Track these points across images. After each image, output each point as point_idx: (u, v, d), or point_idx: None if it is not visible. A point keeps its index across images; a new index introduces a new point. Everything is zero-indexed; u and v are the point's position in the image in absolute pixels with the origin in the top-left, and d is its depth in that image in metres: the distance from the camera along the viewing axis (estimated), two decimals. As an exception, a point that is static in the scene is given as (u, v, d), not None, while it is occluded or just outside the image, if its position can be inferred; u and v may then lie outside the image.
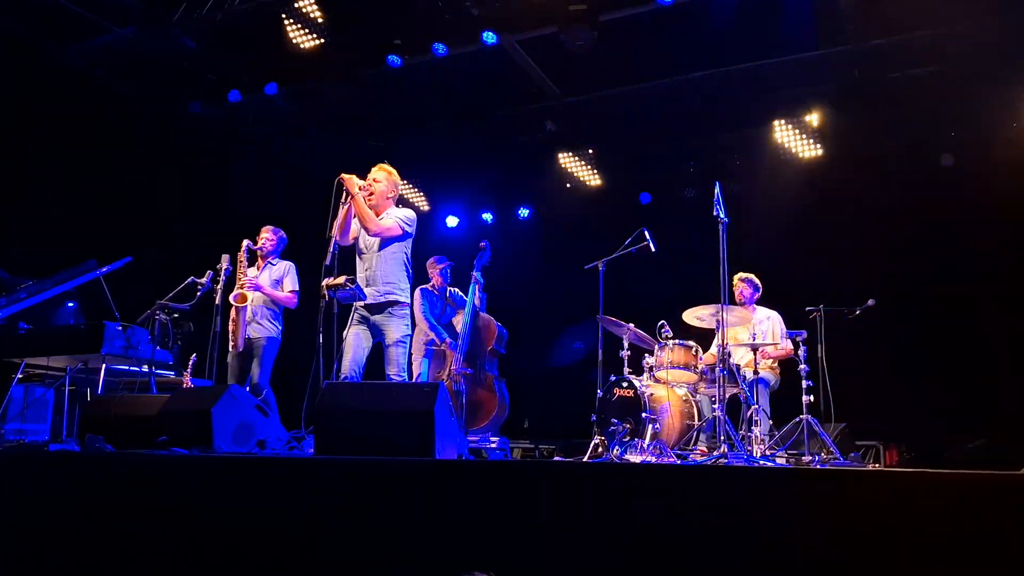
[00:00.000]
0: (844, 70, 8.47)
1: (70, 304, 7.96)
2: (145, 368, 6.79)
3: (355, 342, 5.61)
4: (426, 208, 10.96)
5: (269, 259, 7.02)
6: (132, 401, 5.53)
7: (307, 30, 8.16)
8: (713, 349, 6.94)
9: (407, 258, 5.82)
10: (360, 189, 5.67)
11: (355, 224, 5.78)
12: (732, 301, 6.86)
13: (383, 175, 5.85)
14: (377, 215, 5.77)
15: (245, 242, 6.85)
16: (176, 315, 7.01)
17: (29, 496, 4.34)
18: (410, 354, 6.15)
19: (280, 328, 6.92)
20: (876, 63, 8.28)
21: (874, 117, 8.73)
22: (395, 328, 5.62)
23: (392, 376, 5.56)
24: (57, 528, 4.18)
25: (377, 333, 5.66)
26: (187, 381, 6.81)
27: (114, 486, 4.22)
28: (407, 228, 5.77)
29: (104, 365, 6.65)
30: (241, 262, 6.78)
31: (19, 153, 8.47)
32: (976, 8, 7.38)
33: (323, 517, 3.71)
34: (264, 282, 6.84)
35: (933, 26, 7.74)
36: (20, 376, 6.87)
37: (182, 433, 4.80)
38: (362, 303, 5.66)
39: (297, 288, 6.91)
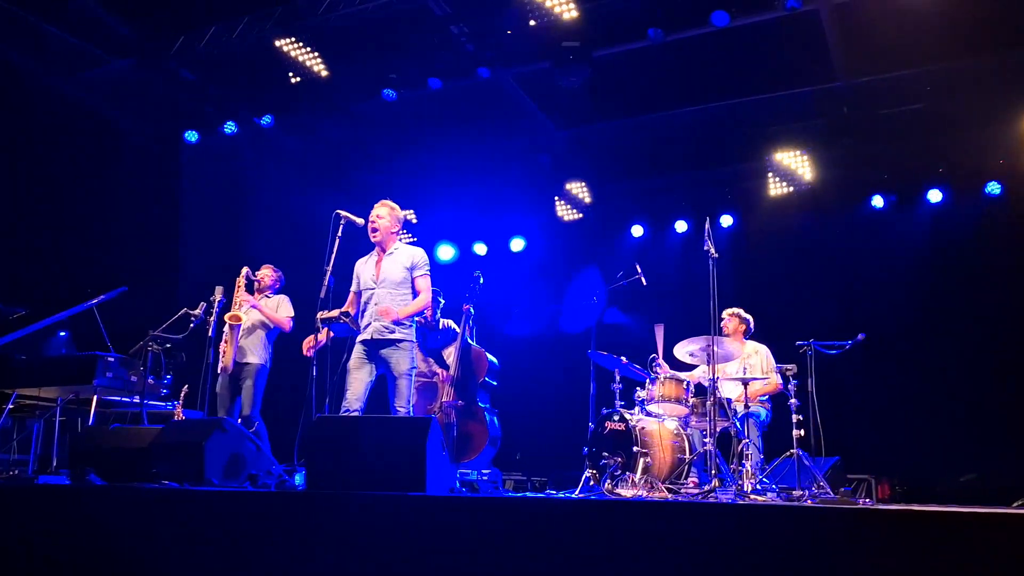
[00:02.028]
0: (834, 106, 8.60)
1: (62, 333, 7.95)
2: (137, 399, 6.77)
3: (358, 376, 5.61)
4: (419, 239, 11.01)
5: (266, 293, 7.14)
6: (123, 433, 5.52)
7: (303, 64, 8.25)
8: (696, 372, 6.96)
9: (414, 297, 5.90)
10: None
11: (366, 270, 5.89)
12: (722, 335, 6.88)
13: (385, 211, 5.94)
14: (384, 250, 5.89)
15: (245, 269, 7.02)
16: (168, 346, 7.01)
17: (17, 529, 4.33)
18: None
19: (270, 357, 6.98)
20: (865, 99, 8.41)
21: (863, 152, 8.84)
22: (402, 360, 5.64)
23: (399, 408, 5.57)
24: (46, 561, 4.16)
25: (382, 366, 5.67)
26: (179, 412, 6.80)
27: (104, 519, 4.21)
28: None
29: (96, 396, 6.63)
30: (240, 286, 6.90)
31: (14, 182, 8.50)
32: (961, 47, 7.52)
33: (314, 551, 3.71)
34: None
35: (920, 64, 7.89)
36: (11, 407, 6.84)
37: (174, 466, 4.79)
38: (368, 336, 5.68)
39: (292, 314, 7.06)
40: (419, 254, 5.91)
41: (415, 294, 5.84)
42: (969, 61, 7.80)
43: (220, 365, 6.68)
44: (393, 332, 5.66)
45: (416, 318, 5.91)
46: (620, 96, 8.85)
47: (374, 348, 5.67)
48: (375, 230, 5.86)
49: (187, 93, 9.14)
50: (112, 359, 6.60)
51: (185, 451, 4.88)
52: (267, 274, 7.19)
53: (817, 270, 8.96)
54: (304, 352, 5.70)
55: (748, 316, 7.27)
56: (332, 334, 5.79)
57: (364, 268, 5.94)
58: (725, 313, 7.13)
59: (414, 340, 5.80)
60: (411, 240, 10.47)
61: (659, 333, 6.86)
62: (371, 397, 5.72)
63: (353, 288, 5.97)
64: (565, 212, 10.37)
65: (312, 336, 5.73)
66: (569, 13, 7.27)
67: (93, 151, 9.15)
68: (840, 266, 8.92)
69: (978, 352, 8.15)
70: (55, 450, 7.12)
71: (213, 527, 3.98)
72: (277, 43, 8.21)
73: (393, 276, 5.79)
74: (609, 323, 7.13)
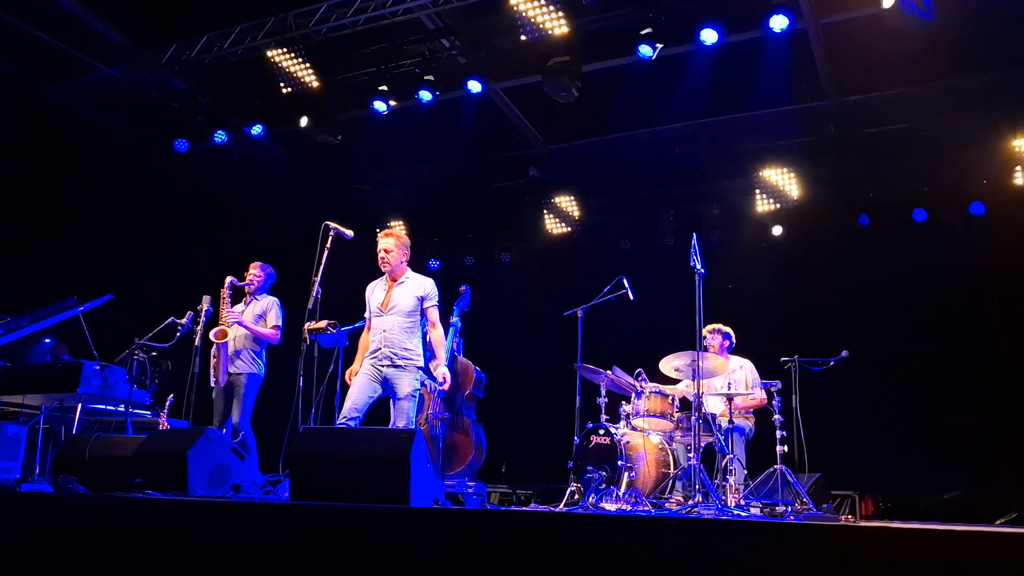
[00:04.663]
0: (820, 125, 8.69)
1: (47, 340, 7.91)
2: (122, 408, 6.73)
3: (361, 388, 5.62)
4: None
5: (255, 295, 6.99)
6: (107, 442, 5.48)
7: (294, 75, 8.27)
8: (681, 386, 6.99)
9: (422, 325, 5.93)
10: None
11: (375, 297, 5.88)
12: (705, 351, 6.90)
13: (392, 242, 5.91)
14: (395, 280, 5.89)
15: (229, 278, 6.82)
16: (154, 354, 6.97)
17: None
18: None
19: (263, 365, 6.86)
20: (851, 118, 8.50)
21: (849, 171, 8.92)
22: (407, 383, 5.68)
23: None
24: (28, 571, 4.13)
25: (388, 387, 5.71)
26: (163, 422, 6.76)
27: (87, 528, 4.19)
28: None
29: (80, 404, 6.59)
30: (224, 299, 6.76)
31: (1, 187, 8.47)
32: (946, 68, 7.62)
33: (296, 563, 3.70)
34: (247, 318, 6.80)
35: (906, 84, 7.99)
36: (-6, 413, 6.81)
37: (157, 475, 4.77)
38: (377, 361, 5.70)
39: (280, 324, 6.86)
40: (430, 285, 5.93)
41: (424, 323, 5.89)
42: (954, 82, 7.90)
43: (212, 380, 6.62)
44: (403, 359, 5.70)
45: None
46: (609, 111, 8.91)
47: (381, 371, 5.69)
48: (385, 263, 5.86)
49: (177, 101, 9.14)
50: (97, 367, 6.56)
51: (168, 461, 4.87)
52: (255, 274, 6.98)
53: (802, 287, 9.00)
54: (347, 380, 5.75)
55: (729, 330, 7.31)
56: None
57: (373, 295, 5.95)
58: (706, 330, 7.13)
59: (422, 364, 5.83)
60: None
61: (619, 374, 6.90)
62: (370, 415, 5.72)
63: (367, 314, 5.98)
64: (553, 225, 10.39)
65: (351, 369, 5.80)
66: (560, 29, 7.32)
67: (82, 158, 9.13)
68: (825, 283, 8.97)
69: (962, 370, 8.20)
70: (38, 458, 7.07)
71: (196, 537, 3.96)
72: (268, 53, 8.24)
73: (403, 305, 5.80)
74: (595, 337, 7.14)
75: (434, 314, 5.89)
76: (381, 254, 5.87)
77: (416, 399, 5.73)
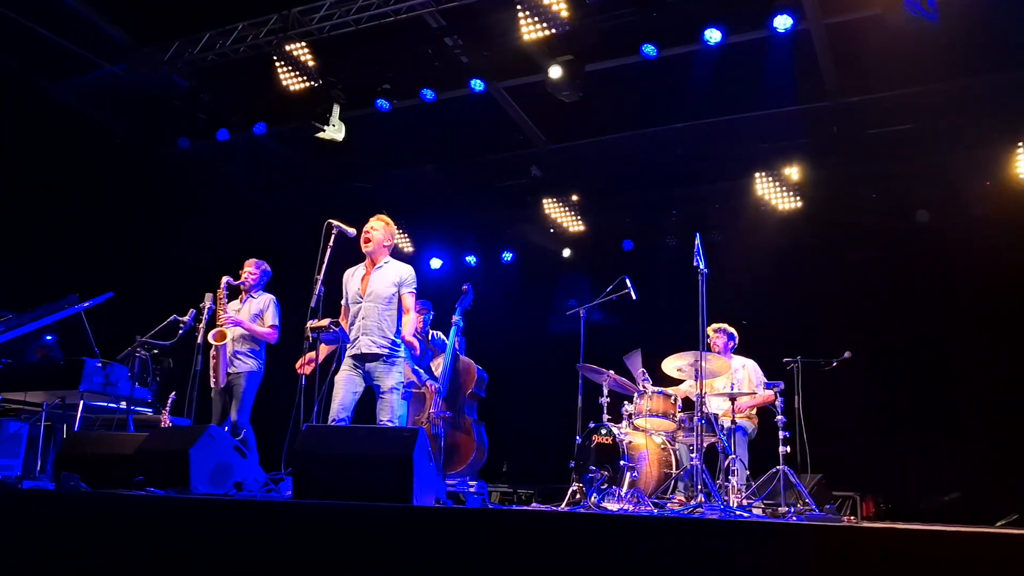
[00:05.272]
0: (823, 125, 8.67)
1: (48, 338, 7.92)
2: (123, 405, 6.73)
3: (345, 386, 5.61)
4: (411, 250, 11.03)
5: (251, 292, 6.99)
6: (109, 439, 5.48)
7: (297, 73, 8.27)
8: (684, 386, 6.98)
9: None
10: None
11: (353, 284, 5.87)
12: (709, 351, 6.90)
13: (380, 224, 5.97)
14: (374, 263, 5.90)
15: (225, 279, 6.81)
16: (156, 351, 6.97)
17: (1, 534, 4.30)
18: None
19: (262, 363, 6.86)
20: (854, 119, 8.48)
21: (851, 172, 8.91)
22: (390, 375, 5.65)
23: (386, 423, 5.56)
24: (28, 569, 4.13)
25: (370, 379, 5.69)
26: (165, 419, 6.76)
27: (88, 526, 4.19)
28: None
29: (82, 401, 6.59)
30: (221, 299, 6.75)
31: (1, 185, 8.47)
32: (950, 69, 7.60)
33: (298, 562, 3.70)
34: (244, 316, 6.81)
35: (908, 85, 7.97)
36: (-4, 410, 6.80)
37: (159, 473, 4.76)
38: (357, 351, 5.68)
39: (277, 323, 6.87)
40: (408, 271, 5.94)
41: (401, 310, 5.85)
42: (958, 83, 7.89)
43: (212, 382, 6.62)
44: (382, 347, 5.66)
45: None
46: (612, 111, 8.90)
47: (362, 362, 5.68)
48: (368, 240, 5.89)
49: (180, 99, 9.13)
50: (99, 364, 6.56)
51: (171, 458, 4.86)
52: (250, 271, 6.97)
53: (805, 287, 9.00)
54: (298, 371, 5.69)
55: (733, 330, 7.31)
56: (333, 348, 5.81)
57: (352, 281, 5.94)
58: (710, 330, 7.14)
59: (403, 356, 5.81)
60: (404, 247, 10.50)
61: (637, 360, 6.87)
62: (360, 410, 5.71)
63: (343, 301, 5.97)
64: (555, 224, 10.39)
65: (304, 356, 5.73)
66: (563, 28, 7.30)
67: (84, 155, 9.12)
68: (827, 284, 8.96)
69: (965, 371, 8.19)
70: (39, 455, 7.07)
71: (198, 535, 3.96)
72: (271, 51, 8.23)
73: (381, 291, 5.79)
74: (598, 337, 7.14)
75: (409, 300, 5.87)
76: (367, 231, 5.91)
77: (400, 391, 5.71)
